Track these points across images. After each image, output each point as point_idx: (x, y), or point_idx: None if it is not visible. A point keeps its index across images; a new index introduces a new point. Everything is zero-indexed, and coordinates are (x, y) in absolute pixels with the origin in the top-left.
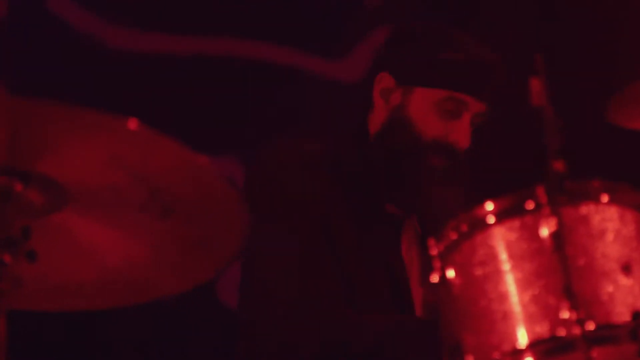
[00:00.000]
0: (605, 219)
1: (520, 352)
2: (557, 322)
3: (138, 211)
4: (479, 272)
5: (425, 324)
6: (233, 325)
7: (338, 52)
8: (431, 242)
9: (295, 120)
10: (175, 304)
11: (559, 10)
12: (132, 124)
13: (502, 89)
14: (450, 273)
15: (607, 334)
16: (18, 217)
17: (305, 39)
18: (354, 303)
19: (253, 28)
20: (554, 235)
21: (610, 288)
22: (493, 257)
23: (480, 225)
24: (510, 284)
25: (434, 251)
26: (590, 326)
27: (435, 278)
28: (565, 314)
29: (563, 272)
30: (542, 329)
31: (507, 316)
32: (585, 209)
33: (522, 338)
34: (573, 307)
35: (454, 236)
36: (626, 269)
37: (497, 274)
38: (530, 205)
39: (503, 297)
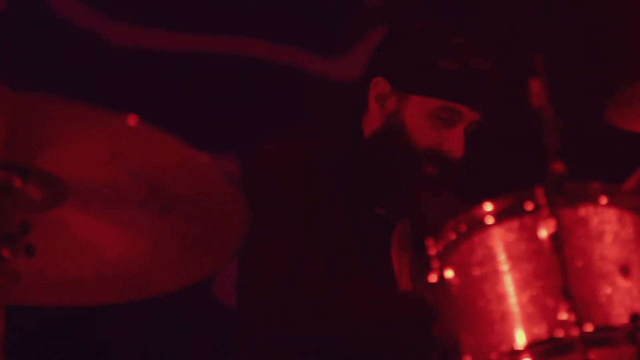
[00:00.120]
0: (604, 221)
1: (518, 353)
2: (555, 323)
3: (137, 207)
4: (477, 272)
5: (411, 297)
6: (230, 322)
7: (338, 52)
8: (430, 242)
9: (294, 119)
10: (172, 301)
11: (559, 11)
12: (132, 120)
13: (497, 97)
14: (449, 273)
15: (605, 336)
16: (17, 212)
17: (305, 38)
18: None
19: (253, 26)
20: (553, 237)
21: (608, 290)
22: (491, 258)
23: (479, 225)
24: (509, 284)
25: (432, 251)
26: (589, 328)
27: (433, 278)
28: (563, 316)
29: (561, 273)
30: (540, 330)
31: (505, 317)
32: (584, 211)
33: (520, 339)
34: (571, 309)
35: (452, 236)
36: (624, 271)
37: (496, 274)
38: (529, 206)
39: (501, 297)
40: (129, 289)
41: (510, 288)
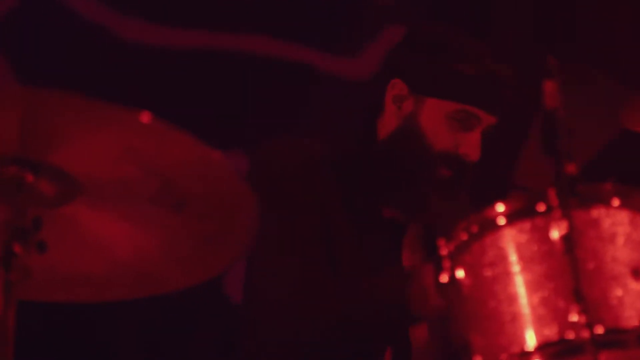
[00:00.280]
0: (616, 222)
1: (528, 355)
2: (565, 325)
3: (149, 204)
4: (488, 273)
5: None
6: (239, 320)
7: (349, 50)
8: (441, 242)
9: (305, 117)
10: (182, 298)
11: (575, 12)
12: (145, 117)
13: (514, 101)
14: (460, 273)
15: (616, 338)
16: (29, 207)
17: (316, 37)
18: None
19: (265, 24)
20: (565, 238)
21: (619, 292)
22: (503, 259)
23: (490, 226)
24: (520, 285)
25: (444, 251)
26: (599, 330)
27: (444, 278)
28: (574, 317)
29: (573, 275)
30: (551, 332)
31: (516, 318)
32: (596, 213)
33: (531, 340)
34: (582, 311)
35: (464, 236)
36: (636, 273)
37: (507, 275)
38: (541, 207)
39: (512, 298)
40: (139, 286)
41: (521, 289)
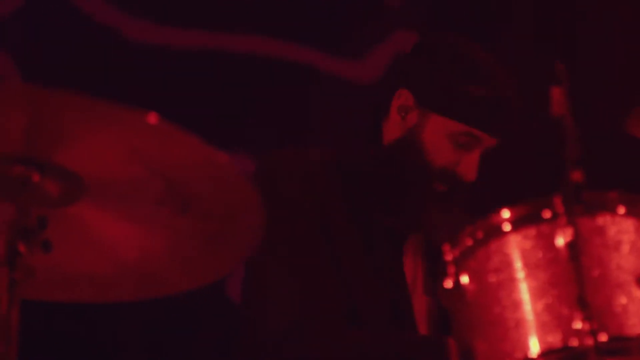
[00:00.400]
0: (621, 230)
1: None
2: (569, 332)
3: (155, 205)
4: (493, 279)
5: (430, 342)
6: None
7: (356, 53)
8: (446, 247)
9: (310, 119)
10: (185, 299)
11: (581, 19)
12: (152, 118)
13: (519, 122)
14: (465, 279)
15: (620, 346)
16: (34, 207)
17: (324, 39)
18: (354, 316)
19: (271, 26)
20: (570, 245)
21: (624, 300)
22: (508, 265)
23: (496, 232)
24: (524, 292)
25: (448, 256)
26: (603, 337)
27: (449, 283)
28: (578, 325)
29: (577, 282)
30: (555, 339)
31: (519, 324)
32: (601, 220)
33: (534, 347)
34: (586, 318)
35: (469, 242)
36: None
37: (511, 281)
38: (546, 214)
39: (516, 305)
40: (144, 287)
41: (525, 296)
